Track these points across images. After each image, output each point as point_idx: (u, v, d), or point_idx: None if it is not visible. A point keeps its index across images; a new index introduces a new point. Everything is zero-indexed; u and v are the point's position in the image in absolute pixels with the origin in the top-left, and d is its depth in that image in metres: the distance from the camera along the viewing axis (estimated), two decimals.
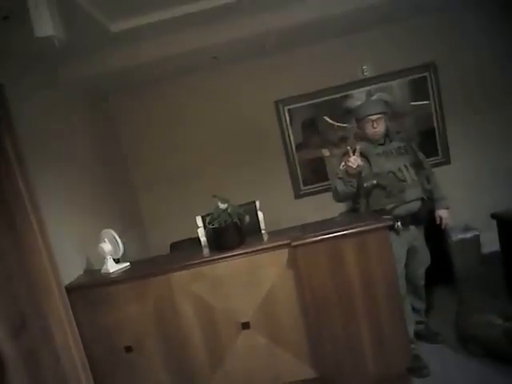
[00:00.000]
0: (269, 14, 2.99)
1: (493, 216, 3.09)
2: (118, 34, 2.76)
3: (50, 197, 2.59)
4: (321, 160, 4.18)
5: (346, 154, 2.66)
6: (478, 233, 3.67)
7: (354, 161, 2.55)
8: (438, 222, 2.91)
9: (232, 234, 2.55)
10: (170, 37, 3.01)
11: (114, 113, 4.17)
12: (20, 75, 2.60)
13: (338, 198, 2.76)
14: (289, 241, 2.44)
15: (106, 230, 2.73)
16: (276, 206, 3.71)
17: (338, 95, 4.07)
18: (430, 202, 2.84)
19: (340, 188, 2.68)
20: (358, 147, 2.62)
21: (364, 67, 4.01)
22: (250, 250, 2.50)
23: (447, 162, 4.10)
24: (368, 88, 4.05)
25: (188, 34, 3.02)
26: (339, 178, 2.69)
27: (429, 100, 4.06)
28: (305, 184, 4.21)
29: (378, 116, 2.73)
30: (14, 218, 2.30)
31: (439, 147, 4.11)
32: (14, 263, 2.29)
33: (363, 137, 2.81)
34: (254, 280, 2.51)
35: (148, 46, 3.07)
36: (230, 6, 2.72)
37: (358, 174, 2.62)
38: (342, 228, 2.42)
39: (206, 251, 2.74)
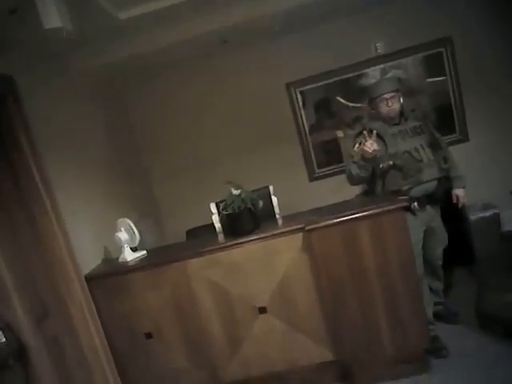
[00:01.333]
0: None
1: None
2: (127, 22, 2.73)
3: (65, 187, 2.62)
4: (335, 141, 4.12)
5: (359, 135, 2.61)
6: (497, 211, 3.59)
7: (371, 145, 2.50)
8: (454, 202, 2.85)
9: (246, 219, 2.55)
10: (179, 22, 2.97)
11: (126, 101, 4.17)
12: (30, 67, 2.61)
13: (353, 181, 2.73)
14: (303, 225, 2.43)
15: (121, 219, 2.76)
16: (290, 189, 3.69)
17: (350, 74, 3.98)
18: (446, 182, 2.78)
19: (354, 172, 2.64)
20: (374, 132, 2.56)
21: (377, 44, 3.91)
22: (264, 235, 2.50)
23: (465, 139, 3.99)
24: (382, 66, 3.95)
25: (197, 18, 2.98)
26: (354, 163, 2.64)
27: (445, 76, 3.94)
28: (319, 166, 4.17)
29: (392, 94, 2.67)
30: (33, 210, 2.34)
31: (457, 124, 3.99)
32: (35, 255, 2.35)
33: (377, 116, 2.76)
34: (269, 265, 2.52)
35: (157, 33, 3.04)
36: None
37: (373, 158, 2.56)
38: (356, 211, 2.40)
39: (220, 237, 2.75)
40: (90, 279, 2.55)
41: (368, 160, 2.56)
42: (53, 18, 1.99)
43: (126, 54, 3.18)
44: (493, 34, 3.80)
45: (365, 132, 2.56)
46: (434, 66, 3.94)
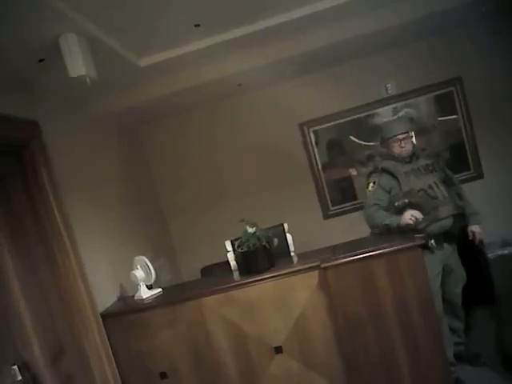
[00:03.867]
0: (290, 41, 3.06)
1: None
2: (146, 69, 2.89)
3: (84, 226, 2.68)
4: (349, 179, 4.16)
5: (373, 173, 2.65)
6: None
7: (418, 215, 2.54)
8: (470, 238, 2.82)
9: (261, 257, 2.56)
10: (196, 67, 3.13)
11: (142, 140, 4.31)
12: (53, 110, 2.74)
13: (374, 227, 2.73)
14: (319, 263, 2.43)
15: (138, 257, 2.80)
16: (305, 227, 3.70)
17: (362, 114, 4.07)
18: (462, 219, 2.77)
19: (381, 222, 2.65)
20: (415, 212, 2.58)
21: (388, 85, 4.01)
22: (279, 273, 2.50)
23: (480, 176, 4.00)
24: (394, 105, 4.04)
25: (213, 64, 3.13)
26: (375, 205, 2.67)
27: (456, 114, 4.00)
28: (333, 204, 4.19)
29: (405, 135, 2.72)
30: (52, 248, 2.40)
31: (470, 162, 4.01)
32: (53, 292, 2.38)
33: (389, 155, 2.80)
34: (285, 303, 2.50)
35: (175, 78, 3.19)
36: (251, 36, 2.81)
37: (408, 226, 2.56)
38: (372, 248, 2.39)
39: (236, 275, 2.75)
40: (105, 317, 2.55)
41: (403, 227, 2.57)
42: (78, 67, 2.12)
43: (144, 98, 3.33)
44: (502, 72, 3.87)
45: (406, 200, 2.61)
46: (445, 104, 4.01)
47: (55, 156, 2.54)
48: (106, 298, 2.72)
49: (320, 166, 4.18)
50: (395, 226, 2.59)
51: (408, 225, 2.53)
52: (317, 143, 4.17)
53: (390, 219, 2.62)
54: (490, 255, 3.45)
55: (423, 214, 2.60)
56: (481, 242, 2.85)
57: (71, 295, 2.40)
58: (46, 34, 2.07)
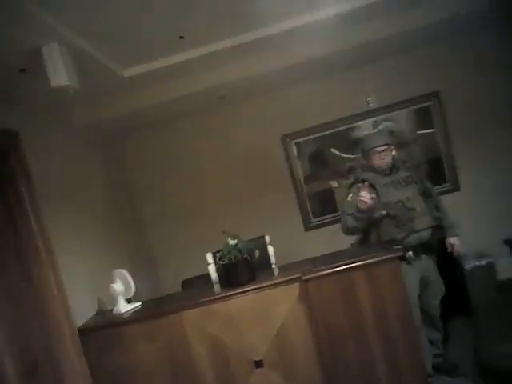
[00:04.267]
0: (273, 53, 3.11)
1: (506, 242, 3.06)
2: (130, 79, 2.89)
3: (62, 239, 2.64)
4: (330, 191, 4.20)
5: (352, 185, 2.69)
6: (492, 260, 3.61)
7: (365, 195, 2.55)
8: (449, 250, 2.88)
9: (242, 269, 2.55)
10: (179, 79, 3.14)
11: (125, 152, 4.28)
12: (33, 120, 2.71)
13: (348, 232, 2.77)
14: (299, 275, 2.44)
15: (117, 270, 2.75)
16: (286, 239, 3.71)
17: (344, 127, 4.13)
18: (440, 231, 2.82)
19: (351, 224, 2.68)
20: (366, 182, 2.63)
21: (368, 99, 4.09)
22: (260, 285, 2.49)
23: (456, 188, 4.09)
24: (374, 119, 4.11)
25: (196, 76, 3.15)
26: (348, 214, 2.69)
27: (434, 128, 4.10)
28: (314, 216, 4.22)
29: (385, 147, 2.77)
30: (29, 262, 2.35)
31: (447, 174, 4.11)
32: (28, 307, 2.32)
33: (370, 167, 2.84)
34: (266, 316, 2.49)
35: (159, 89, 3.20)
36: (235, 48, 2.84)
37: (368, 209, 2.59)
38: (352, 260, 2.42)
39: (216, 288, 2.74)
40: (83, 332, 2.50)
41: (363, 211, 2.61)
42: (60, 77, 2.10)
43: (127, 108, 3.32)
44: (478, 87, 3.99)
45: (359, 185, 2.63)
46: (423, 118, 4.11)
47: (35, 167, 2.50)
48: (84, 312, 2.67)
49: (302, 178, 4.21)
50: (359, 215, 2.60)
51: (362, 203, 2.53)
52: (299, 155, 4.20)
53: (352, 209, 2.64)
54: (467, 266, 3.54)
55: (400, 226, 2.64)
56: (459, 254, 2.90)
57: (48, 310, 2.35)
58: (29, 44, 2.05)
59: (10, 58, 2.14)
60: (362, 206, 2.57)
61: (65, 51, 2.11)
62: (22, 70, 2.29)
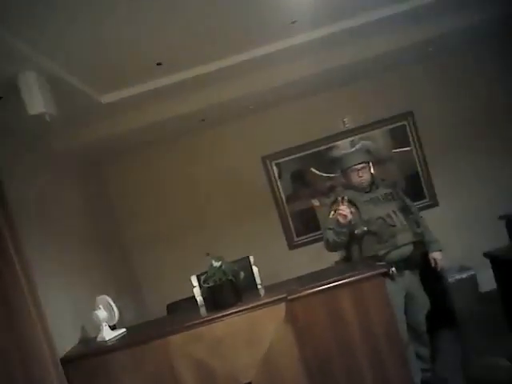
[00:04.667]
0: (251, 77, 3.18)
1: (485, 255, 3.11)
2: (108, 105, 2.90)
3: (42, 265, 2.58)
4: (312, 210, 4.24)
5: (334, 203, 2.72)
6: (473, 272, 3.68)
7: (345, 209, 2.59)
8: (432, 265, 2.91)
9: (228, 291, 2.53)
10: (159, 104, 3.17)
11: (106, 176, 4.26)
12: (12, 149, 2.69)
13: (331, 248, 2.79)
14: (285, 295, 2.43)
15: (100, 297, 2.70)
16: (271, 258, 3.72)
17: (323, 147, 4.22)
18: (422, 246, 2.86)
19: (331, 239, 2.71)
20: (345, 197, 2.68)
21: (344, 120, 4.19)
22: (246, 307, 2.47)
23: (435, 204, 4.19)
24: (351, 138, 4.20)
25: (176, 101, 3.19)
26: (329, 229, 2.72)
27: (410, 146, 4.22)
28: (298, 235, 4.25)
29: (363, 165, 2.82)
30: (8, 290, 2.27)
31: (425, 190, 4.21)
32: (7, 337, 2.24)
33: (350, 186, 2.89)
34: (253, 337, 2.47)
35: (138, 114, 3.23)
36: (213, 73, 2.89)
37: (349, 223, 2.63)
38: (336, 278, 2.42)
39: (202, 311, 2.71)
40: (66, 361, 2.41)
41: (343, 225, 2.64)
42: (37, 104, 2.10)
43: (106, 134, 3.33)
44: (451, 105, 4.14)
45: (338, 198, 2.67)
46: (399, 137, 4.23)
47: (12, 194, 2.45)
48: (66, 341, 2.60)
49: (284, 198, 4.25)
50: (340, 229, 2.64)
51: (342, 217, 2.57)
52: (280, 176, 4.25)
53: (332, 224, 2.68)
54: (449, 280, 3.59)
55: (382, 242, 2.68)
56: (442, 268, 2.94)
57: (28, 340, 2.26)
58: (4, 72, 2.05)
59: None
60: (342, 220, 2.60)
61: (41, 79, 2.12)
62: None
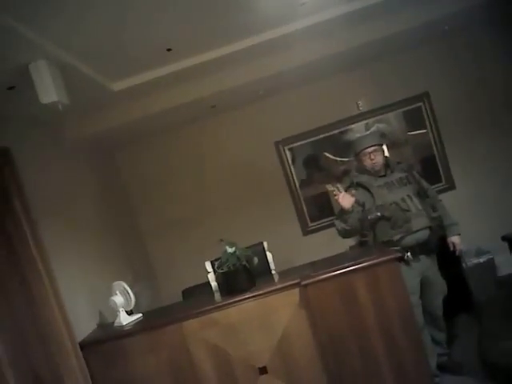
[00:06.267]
0: (262, 61, 3.13)
1: (504, 238, 3.06)
2: (120, 93, 2.90)
3: (60, 252, 2.63)
4: (326, 195, 4.18)
5: (348, 189, 2.70)
6: (491, 256, 3.62)
7: (342, 197, 2.60)
8: (451, 249, 2.86)
9: (242, 277, 2.55)
10: (170, 90, 3.15)
11: (119, 164, 4.29)
12: (25, 136, 2.71)
13: (342, 235, 2.78)
14: (299, 280, 2.43)
15: (117, 283, 2.75)
16: (285, 244, 3.71)
17: (336, 131, 4.15)
18: (439, 230, 2.82)
19: (340, 227, 2.71)
20: (339, 185, 2.68)
21: (359, 102, 4.11)
22: (260, 292, 2.49)
23: (452, 187, 4.11)
24: (366, 121, 4.13)
25: (187, 87, 3.16)
26: (336, 218, 2.73)
27: (426, 129, 4.13)
28: (312, 220, 4.22)
29: (374, 148, 2.78)
30: (27, 277, 2.34)
31: (442, 174, 4.13)
32: (28, 322, 2.31)
33: (363, 170, 2.85)
34: (267, 322, 2.49)
35: (149, 101, 3.21)
36: (224, 58, 2.86)
37: (351, 211, 2.63)
38: (351, 263, 2.41)
39: (217, 296, 2.73)
40: (84, 346, 2.48)
41: (346, 212, 2.63)
42: (49, 93, 2.11)
43: (118, 121, 3.33)
44: (468, 86, 4.03)
45: (335, 186, 2.66)
46: (414, 119, 4.14)
47: (28, 182, 2.49)
48: (84, 326, 2.65)
49: (297, 183, 4.22)
50: (339, 213, 2.67)
51: (346, 206, 2.60)
52: (293, 161, 4.22)
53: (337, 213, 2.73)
54: (468, 264, 3.54)
55: (396, 227, 2.64)
56: (460, 252, 2.90)
57: (48, 325, 2.33)
58: (16, 62, 2.06)
59: None
60: (346, 205, 2.60)
61: (53, 67, 2.12)
62: (11, 88, 2.29)
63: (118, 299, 2.69)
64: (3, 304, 2.21)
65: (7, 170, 2.36)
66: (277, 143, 4.18)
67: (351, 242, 3.08)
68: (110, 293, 2.73)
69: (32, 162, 2.66)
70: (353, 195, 2.65)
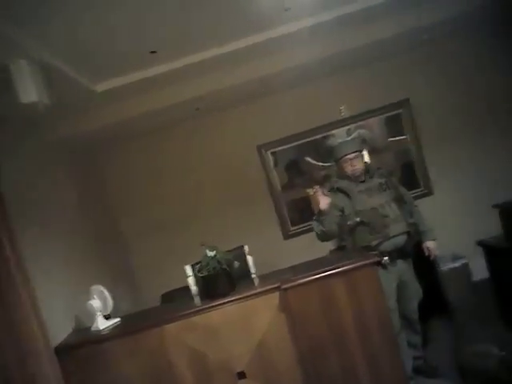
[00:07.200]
0: (246, 65, 3.14)
1: (479, 243, 3.14)
2: (103, 94, 2.87)
3: (36, 255, 2.57)
4: (307, 199, 4.20)
5: (329, 192, 2.74)
6: (466, 261, 3.70)
7: (321, 197, 2.68)
8: (426, 254, 2.93)
9: (222, 281, 2.55)
10: (153, 92, 3.14)
11: (99, 165, 4.24)
12: (4, 137, 2.65)
13: (321, 238, 2.81)
14: (279, 284, 2.45)
15: (95, 286, 2.71)
16: (266, 248, 3.72)
17: (318, 136, 4.19)
18: (416, 236, 2.88)
19: (318, 229, 2.75)
20: (316, 187, 2.75)
21: (341, 108, 4.15)
22: (240, 296, 2.49)
23: (429, 192, 4.19)
24: (348, 127, 4.17)
25: (170, 89, 3.16)
26: (313, 220, 2.78)
27: (405, 135, 4.21)
28: (293, 224, 4.25)
29: (355, 154, 2.82)
30: (0, 283, 2.27)
31: (420, 179, 4.21)
32: (2, 330, 2.24)
33: (344, 175, 2.89)
34: (247, 326, 2.49)
35: (132, 103, 3.19)
36: (208, 61, 2.86)
37: (327, 212, 2.69)
38: (330, 267, 2.44)
39: (197, 300, 2.72)
40: (60, 351, 2.43)
41: (323, 213, 2.69)
42: (30, 93, 2.07)
43: (100, 122, 3.31)
44: (449, 93, 4.13)
45: (315, 187, 2.74)
46: (394, 126, 4.22)
47: (6, 186, 2.43)
48: (61, 330, 2.61)
49: (279, 187, 4.25)
50: (321, 218, 2.71)
51: (323, 208, 2.68)
52: (275, 165, 4.24)
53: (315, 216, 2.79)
54: (443, 268, 3.62)
55: (374, 232, 2.69)
56: (435, 257, 2.96)
57: (22, 330, 2.27)
58: None
59: None
60: (322, 206, 2.67)
61: (34, 67, 2.09)
62: None
63: (96, 303, 2.65)
64: None
65: None
66: (259, 147, 4.20)
67: (331, 246, 3.11)
68: (88, 297, 2.69)
69: (8, 162, 2.60)
70: (328, 197, 2.71)
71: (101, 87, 2.84)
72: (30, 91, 2.07)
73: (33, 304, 2.31)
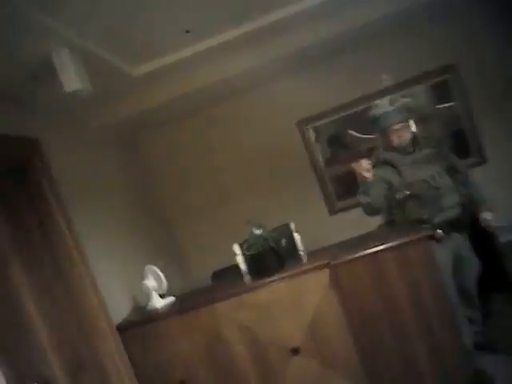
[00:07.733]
0: (282, 38, 3.05)
1: None
2: (139, 78, 2.89)
3: (92, 238, 2.69)
4: (352, 174, 4.11)
5: (375, 166, 2.65)
6: None
7: (360, 165, 2.60)
8: (483, 226, 2.79)
9: (270, 258, 2.55)
10: (188, 73, 3.12)
11: (143, 148, 4.31)
12: (53, 127, 2.75)
13: (368, 212, 2.73)
14: (328, 261, 2.42)
15: (148, 266, 2.79)
16: (312, 224, 3.67)
17: (361, 107, 4.05)
18: (471, 207, 2.74)
19: (365, 201, 2.66)
20: (359, 160, 2.67)
21: (383, 76, 3.98)
22: (289, 273, 2.49)
23: (482, 161, 3.97)
24: (391, 96, 3.99)
25: (205, 69, 3.12)
26: (359, 193, 2.70)
27: (454, 101, 3.98)
28: (339, 199, 4.17)
29: (401, 124, 2.70)
30: (63, 264, 2.40)
31: (472, 148, 3.99)
32: (67, 308, 2.39)
33: (390, 147, 2.78)
34: (298, 303, 2.50)
35: (168, 85, 3.19)
36: (242, 37, 2.80)
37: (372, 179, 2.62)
38: (381, 243, 2.39)
39: (246, 278, 2.74)
40: (121, 329, 2.55)
41: (366, 183, 2.62)
42: (73, 82, 2.12)
43: (140, 107, 3.35)
44: (496, 57, 3.85)
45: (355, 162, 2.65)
46: (441, 92, 3.99)
47: (58, 171, 2.54)
48: (120, 309, 2.73)
49: (322, 162, 4.17)
50: (365, 188, 2.64)
51: (366, 176, 2.60)
52: (317, 140, 4.15)
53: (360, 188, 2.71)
54: (501, 240, 3.43)
55: (426, 205, 2.57)
56: (493, 229, 2.81)
57: (85, 309, 2.41)
58: (37, 51, 2.07)
59: (21, 67, 2.16)
60: (365, 175, 2.60)
61: (74, 55, 2.12)
62: (36, 78, 2.31)
63: (151, 283, 2.74)
64: (43, 291, 2.28)
65: (37, 161, 2.40)
66: (299, 122, 4.11)
67: (380, 220, 3.02)
68: (143, 277, 2.78)
69: (60, 150, 2.69)
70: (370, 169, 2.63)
71: (137, 71, 2.85)
72: (73, 79, 2.11)
73: (93, 286, 2.43)
